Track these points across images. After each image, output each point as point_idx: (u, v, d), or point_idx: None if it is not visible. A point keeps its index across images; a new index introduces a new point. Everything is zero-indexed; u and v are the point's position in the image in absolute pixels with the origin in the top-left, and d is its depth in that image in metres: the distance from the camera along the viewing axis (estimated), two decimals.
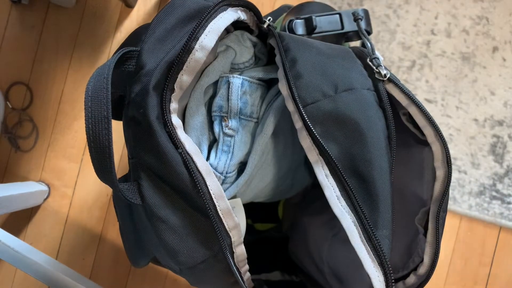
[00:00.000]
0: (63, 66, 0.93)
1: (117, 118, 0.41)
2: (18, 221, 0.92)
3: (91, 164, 0.91)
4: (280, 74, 0.38)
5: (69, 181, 0.92)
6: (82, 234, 0.91)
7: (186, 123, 0.42)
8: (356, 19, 0.44)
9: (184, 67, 0.35)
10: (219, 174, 0.42)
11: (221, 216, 0.35)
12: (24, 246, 0.72)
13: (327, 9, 0.53)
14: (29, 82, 0.93)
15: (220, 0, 0.36)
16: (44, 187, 0.90)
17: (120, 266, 0.90)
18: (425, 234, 0.40)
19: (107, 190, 0.91)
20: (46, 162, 0.92)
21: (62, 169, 0.92)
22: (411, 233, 0.43)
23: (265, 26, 0.41)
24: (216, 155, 0.42)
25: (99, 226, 0.91)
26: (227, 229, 0.35)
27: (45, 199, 0.92)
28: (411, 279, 0.41)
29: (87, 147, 0.92)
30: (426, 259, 0.39)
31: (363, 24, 0.47)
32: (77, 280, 0.71)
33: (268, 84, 0.45)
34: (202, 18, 0.35)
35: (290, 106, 0.37)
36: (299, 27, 0.48)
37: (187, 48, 0.34)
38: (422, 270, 0.40)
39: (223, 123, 0.42)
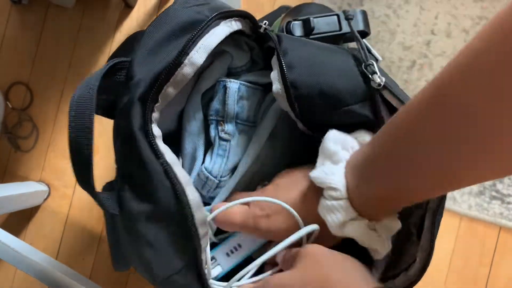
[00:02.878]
0: (63, 66, 0.93)
1: (109, 116, 0.41)
2: (18, 221, 0.93)
3: None
4: (276, 77, 0.39)
5: (69, 181, 0.92)
6: (82, 234, 0.91)
7: (183, 128, 0.42)
8: (347, 19, 0.44)
9: (171, 80, 0.35)
10: (213, 178, 0.42)
11: (197, 225, 0.35)
12: (24, 246, 0.73)
13: (325, 11, 0.52)
14: (29, 82, 0.93)
15: (213, 15, 0.36)
16: (44, 187, 0.91)
17: None
18: (418, 237, 0.40)
19: None
20: (46, 162, 0.93)
21: (62, 169, 0.92)
22: (405, 235, 0.43)
23: (261, 30, 0.41)
24: (211, 159, 0.42)
25: (99, 226, 0.91)
26: (200, 237, 0.35)
27: (45, 199, 0.92)
28: (401, 278, 0.41)
29: None
30: (418, 260, 0.40)
31: (361, 25, 0.47)
32: (77, 280, 0.71)
33: (266, 89, 0.45)
34: (194, 34, 0.35)
35: (284, 105, 0.38)
36: (297, 28, 0.47)
37: (176, 62, 0.35)
38: (412, 270, 0.40)
39: (219, 127, 0.42)
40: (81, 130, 0.31)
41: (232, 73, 0.44)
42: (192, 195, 0.34)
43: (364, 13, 0.49)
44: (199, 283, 0.37)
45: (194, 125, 0.41)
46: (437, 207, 0.38)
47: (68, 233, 0.92)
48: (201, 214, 0.35)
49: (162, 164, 0.34)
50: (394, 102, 0.38)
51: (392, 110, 0.39)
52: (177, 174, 0.34)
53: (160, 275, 0.36)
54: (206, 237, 0.36)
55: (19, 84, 0.94)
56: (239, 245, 0.42)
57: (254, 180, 0.45)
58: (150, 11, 0.93)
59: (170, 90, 0.35)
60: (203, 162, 0.43)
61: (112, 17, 0.93)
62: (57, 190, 0.92)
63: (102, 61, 0.93)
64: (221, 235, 0.44)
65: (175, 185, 0.34)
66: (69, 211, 0.92)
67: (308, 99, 0.38)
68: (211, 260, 0.42)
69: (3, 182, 0.93)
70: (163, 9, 0.91)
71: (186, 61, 0.35)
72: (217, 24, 0.37)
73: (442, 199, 0.38)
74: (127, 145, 0.35)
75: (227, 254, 0.42)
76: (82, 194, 0.91)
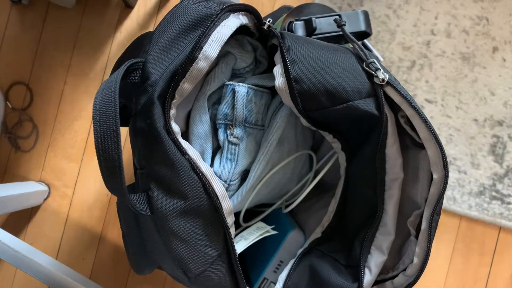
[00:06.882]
0: (63, 66, 0.93)
1: (121, 124, 0.41)
2: (18, 221, 0.92)
3: (91, 164, 0.91)
4: (279, 72, 0.39)
5: (69, 181, 0.92)
6: (82, 234, 0.91)
7: (190, 131, 0.42)
8: (339, 26, 0.44)
9: (187, 76, 0.35)
10: (223, 182, 0.42)
11: (225, 215, 0.36)
12: (24, 246, 0.72)
13: (327, 11, 0.52)
14: (29, 82, 0.93)
15: (222, 8, 0.36)
16: (44, 187, 0.91)
17: (120, 266, 0.91)
18: (416, 236, 0.40)
19: (107, 190, 0.90)
20: (46, 162, 0.92)
21: (62, 169, 0.92)
22: (403, 234, 0.43)
23: (265, 27, 0.41)
24: (220, 163, 0.42)
25: (99, 226, 0.91)
26: (229, 226, 0.37)
27: (45, 199, 0.92)
28: (400, 279, 0.41)
29: (87, 147, 0.92)
30: (416, 260, 0.40)
31: (362, 26, 0.47)
32: (77, 280, 0.71)
33: (273, 92, 0.45)
34: (206, 27, 0.35)
35: (286, 100, 0.39)
36: (299, 28, 0.47)
37: (191, 58, 0.35)
38: (411, 270, 0.40)
39: (228, 131, 0.42)
40: (108, 134, 0.30)
41: (236, 75, 0.44)
42: (218, 187, 0.36)
43: (365, 14, 0.49)
44: (232, 277, 0.38)
45: (201, 129, 0.41)
46: (435, 207, 0.38)
47: (68, 233, 0.92)
48: (228, 204, 0.37)
49: (188, 160, 0.35)
50: (396, 99, 0.38)
51: (394, 107, 0.39)
52: (201, 168, 0.35)
53: (194, 271, 0.36)
54: (232, 227, 0.38)
55: (19, 84, 0.93)
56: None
57: (260, 182, 0.46)
58: (150, 11, 0.93)
59: (186, 85, 0.36)
60: (211, 165, 0.43)
61: (112, 17, 0.93)
62: (57, 190, 0.92)
63: (102, 61, 0.93)
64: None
65: (202, 178, 0.35)
66: (69, 211, 0.91)
67: (311, 94, 0.38)
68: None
69: (3, 182, 0.93)
70: (163, 9, 0.92)
71: (200, 55, 0.35)
72: (227, 17, 0.37)
73: (440, 198, 0.38)
74: (151, 145, 0.35)
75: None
76: (82, 194, 0.91)
